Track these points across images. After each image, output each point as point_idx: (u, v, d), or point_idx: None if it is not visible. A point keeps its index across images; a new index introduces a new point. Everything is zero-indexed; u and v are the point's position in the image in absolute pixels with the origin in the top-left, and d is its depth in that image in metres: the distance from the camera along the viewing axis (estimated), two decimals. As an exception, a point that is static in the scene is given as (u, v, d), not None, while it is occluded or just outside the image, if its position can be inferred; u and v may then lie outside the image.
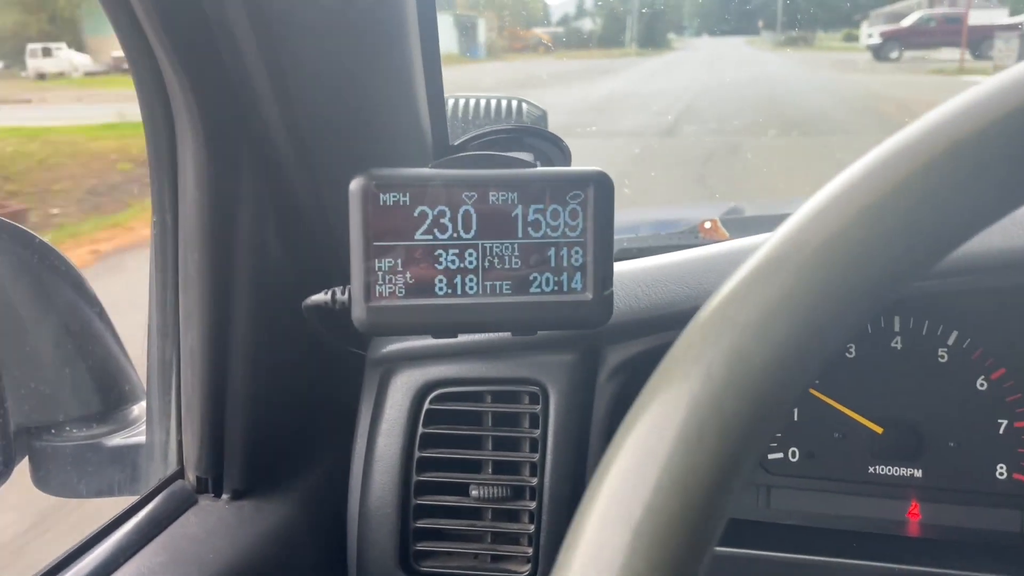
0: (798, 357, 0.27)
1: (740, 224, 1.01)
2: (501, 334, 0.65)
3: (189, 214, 0.56)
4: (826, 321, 0.27)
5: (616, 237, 1.01)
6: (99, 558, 0.56)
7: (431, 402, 0.67)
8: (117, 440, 0.68)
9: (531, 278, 0.53)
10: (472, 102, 1.00)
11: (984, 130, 0.26)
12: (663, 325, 0.65)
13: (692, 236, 0.99)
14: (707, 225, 1.00)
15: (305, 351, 0.68)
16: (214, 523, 0.61)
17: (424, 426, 0.66)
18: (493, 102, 1.01)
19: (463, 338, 0.67)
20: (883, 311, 0.71)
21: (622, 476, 0.26)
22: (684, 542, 0.25)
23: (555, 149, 0.81)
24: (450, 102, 0.95)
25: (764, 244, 0.28)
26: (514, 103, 1.04)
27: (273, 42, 0.50)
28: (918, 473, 0.71)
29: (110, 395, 0.69)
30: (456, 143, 0.79)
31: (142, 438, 0.68)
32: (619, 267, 0.70)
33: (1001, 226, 0.65)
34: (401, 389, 0.67)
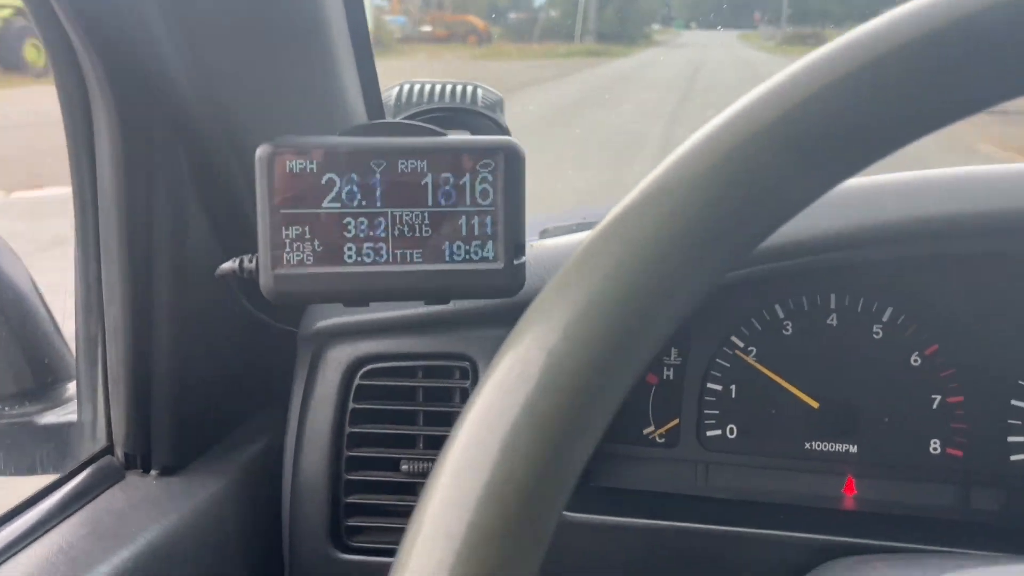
0: (655, 298, 0.27)
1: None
2: (431, 308, 0.65)
3: (106, 188, 0.56)
4: (686, 261, 0.27)
5: (534, 220, 1.01)
6: (18, 529, 0.56)
7: (362, 377, 0.67)
8: (49, 418, 0.68)
9: (442, 247, 0.53)
10: (424, 87, 0.99)
11: (786, 114, 0.27)
12: None
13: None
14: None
15: (235, 326, 0.68)
16: (140, 498, 0.61)
17: (355, 401, 0.67)
18: (448, 87, 1.01)
19: (393, 313, 0.67)
20: (819, 288, 0.72)
21: (483, 412, 0.26)
22: (544, 461, 0.25)
23: (495, 129, 0.81)
24: (403, 88, 0.95)
25: (636, 187, 0.29)
26: (468, 88, 1.03)
27: (185, 12, 0.50)
28: (853, 449, 0.71)
29: (41, 372, 0.69)
30: (390, 120, 0.80)
31: (74, 416, 0.68)
32: (541, 243, 0.70)
33: (928, 191, 0.65)
34: (332, 365, 0.67)
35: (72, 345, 0.71)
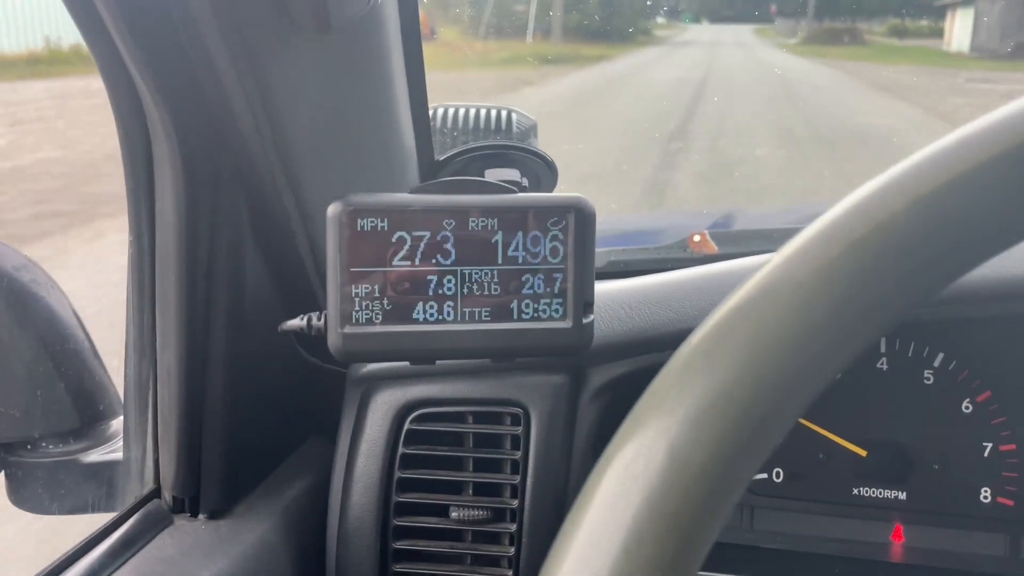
0: (783, 393, 0.26)
1: (730, 238, 1.00)
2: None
3: (166, 236, 0.55)
4: (812, 358, 0.26)
5: (603, 249, 1.00)
6: None
7: (412, 422, 0.66)
8: (94, 456, 0.68)
9: (510, 305, 0.52)
10: (460, 112, 0.99)
11: (982, 165, 0.26)
12: (646, 348, 0.65)
13: (681, 249, 0.98)
14: (696, 239, 0.99)
15: (284, 370, 0.68)
16: (190, 544, 0.61)
17: (404, 446, 0.66)
18: (483, 112, 1.00)
19: None
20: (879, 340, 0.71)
21: (603, 506, 0.26)
22: (669, 560, 0.25)
23: (542, 165, 0.80)
24: (437, 112, 0.95)
25: (758, 269, 0.28)
26: (503, 113, 1.03)
27: (253, 65, 0.50)
28: (902, 495, 0.71)
29: (87, 411, 0.68)
30: (441, 158, 0.79)
31: (119, 455, 0.67)
32: (604, 286, 0.69)
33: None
34: (381, 408, 0.66)
35: (116, 382, 0.71)
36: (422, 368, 0.67)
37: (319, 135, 0.57)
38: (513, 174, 0.71)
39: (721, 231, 1.04)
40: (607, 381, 0.66)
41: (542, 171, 0.77)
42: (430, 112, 0.90)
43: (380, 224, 0.50)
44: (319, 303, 0.66)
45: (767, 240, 0.99)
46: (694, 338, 0.27)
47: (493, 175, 0.64)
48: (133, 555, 0.58)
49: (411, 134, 0.69)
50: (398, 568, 0.66)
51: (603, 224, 0.52)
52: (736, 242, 0.99)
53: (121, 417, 0.71)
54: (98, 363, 0.69)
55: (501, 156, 0.76)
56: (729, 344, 0.26)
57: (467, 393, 0.66)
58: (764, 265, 0.28)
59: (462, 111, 1.01)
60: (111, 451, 0.68)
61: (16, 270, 0.65)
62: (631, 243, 1.04)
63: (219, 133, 0.53)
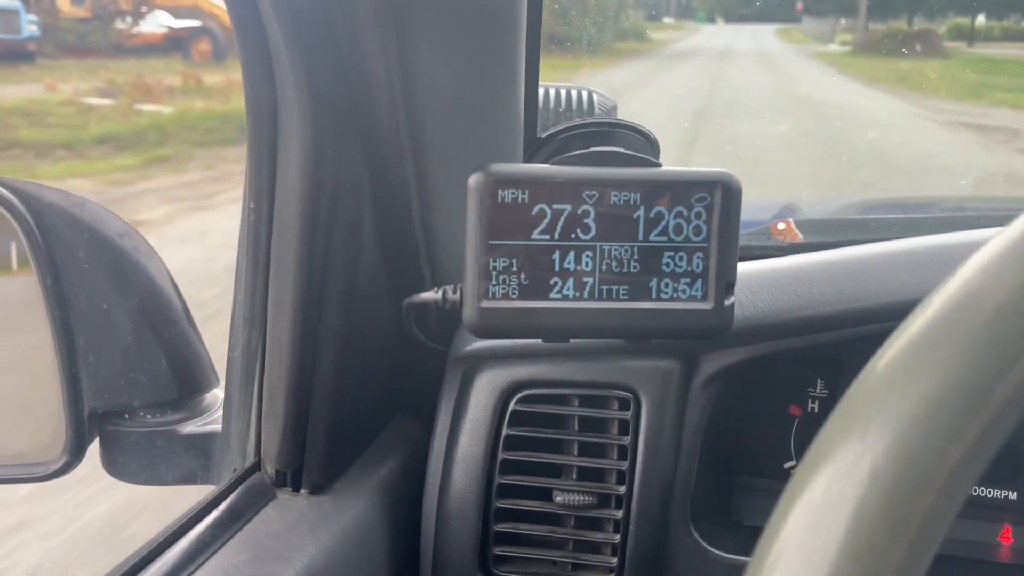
0: (1000, 406, 0.24)
1: (815, 226, 0.98)
2: None
3: (289, 201, 0.54)
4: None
5: None
6: (180, 554, 0.54)
7: (517, 403, 0.64)
8: (191, 428, 0.66)
9: (649, 284, 0.50)
10: (547, 91, 0.97)
11: None
12: (767, 335, 0.63)
13: (764, 237, 0.96)
14: (780, 227, 0.97)
15: (389, 346, 0.66)
16: (294, 519, 0.60)
17: (509, 427, 0.64)
18: (563, 92, 0.99)
19: None
20: None
21: (825, 506, 0.24)
22: (898, 563, 0.23)
23: (645, 143, 0.78)
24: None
25: (978, 251, 0.26)
26: (584, 93, 1.01)
27: (392, 30, 0.48)
28: (1012, 496, 0.69)
29: (185, 382, 0.67)
30: (544, 135, 0.77)
31: (217, 427, 0.66)
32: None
33: None
34: (486, 388, 0.65)
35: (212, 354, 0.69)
36: (527, 349, 0.65)
37: (448, 108, 0.55)
38: (612, 150, 0.69)
39: (805, 219, 1.02)
40: (721, 368, 0.64)
41: (645, 149, 0.75)
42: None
43: (521, 196, 0.48)
44: (425, 280, 0.64)
45: (854, 229, 0.96)
46: (914, 324, 0.26)
47: (598, 153, 0.62)
48: (240, 528, 0.57)
49: (522, 111, 0.67)
50: (498, 550, 0.65)
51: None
52: (821, 231, 0.97)
53: (215, 390, 0.70)
54: (196, 334, 0.68)
55: (605, 134, 0.74)
56: (956, 331, 0.25)
57: (574, 375, 0.64)
58: (980, 250, 0.26)
59: (548, 91, 0.99)
60: (208, 423, 0.67)
61: (119, 237, 0.64)
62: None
63: (351, 97, 0.51)
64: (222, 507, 0.59)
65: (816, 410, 0.72)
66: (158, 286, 0.66)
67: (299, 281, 0.56)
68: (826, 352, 0.68)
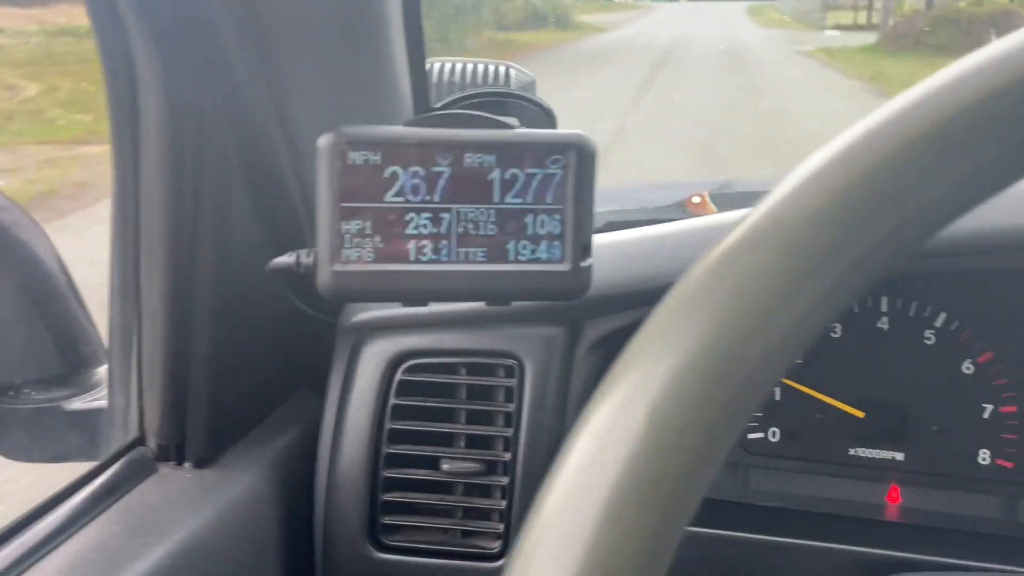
0: (769, 348, 0.25)
1: (729, 199, 0.99)
2: (476, 304, 0.63)
3: (151, 172, 0.53)
4: (809, 301, 0.25)
5: (601, 210, 0.99)
6: (51, 525, 0.54)
7: (403, 372, 0.64)
8: (77, 404, 0.66)
9: (507, 246, 0.50)
10: (456, 67, 0.97)
11: (990, 96, 0.24)
12: (644, 300, 0.63)
13: (679, 210, 0.97)
14: (695, 200, 0.98)
15: (273, 317, 0.66)
16: (175, 492, 0.59)
17: (396, 397, 0.64)
18: (480, 67, 0.98)
19: (437, 307, 0.65)
20: (871, 290, 0.70)
21: (580, 472, 0.24)
22: (651, 528, 0.23)
23: (541, 114, 0.78)
24: (434, 67, 0.92)
25: (744, 218, 0.26)
26: (501, 68, 1.01)
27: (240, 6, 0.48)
28: (899, 456, 0.70)
29: (70, 357, 0.66)
30: (437, 106, 0.77)
31: (104, 403, 0.66)
32: (601, 239, 0.67)
33: (996, 204, 0.63)
34: (373, 359, 0.65)
35: (102, 329, 0.69)
36: (414, 318, 0.65)
37: (310, 66, 0.55)
38: (512, 122, 0.69)
39: (720, 192, 1.02)
40: (604, 334, 0.64)
41: (540, 120, 0.75)
42: (429, 68, 0.88)
43: (373, 158, 0.48)
44: (307, 244, 0.64)
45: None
46: (675, 290, 0.26)
47: (491, 123, 0.62)
48: (116, 501, 0.57)
49: (407, 79, 0.66)
50: (387, 520, 0.65)
51: (599, 192, 0.47)
52: (735, 204, 0.98)
53: (105, 365, 0.69)
54: (82, 309, 0.67)
55: (498, 104, 0.74)
56: (712, 295, 0.25)
57: (460, 344, 0.64)
58: (750, 213, 0.26)
59: (459, 66, 0.99)
60: (95, 399, 0.67)
61: (-4, 210, 0.63)
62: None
63: (207, 63, 0.51)
64: (99, 480, 0.58)
65: None
66: (41, 260, 0.65)
67: (168, 252, 0.55)
68: None
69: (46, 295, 0.65)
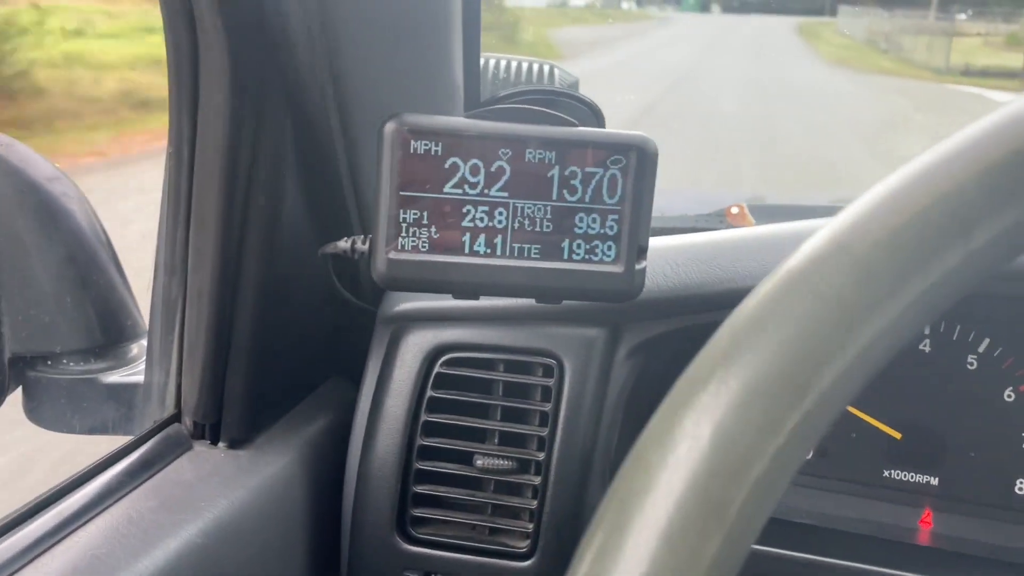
0: (846, 367, 0.24)
1: (767, 211, 0.98)
2: (519, 300, 0.63)
3: (208, 148, 0.53)
4: (880, 327, 0.24)
5: None
6: (86, 497, 0.54)
7: (441, 365, 0.64)
8: (114, 377, 0.66)
9: (561, 244, 0.50)
10: (503, 63, 0.97)
11: None
12: (690, 307, 0.63)
13: (718, 220, 0.96)
14: (734, 211, 0.97)
15: (315, 302, 0.66)
16: (208, 471, 0.59)
17: (433, 389, 0.64)
18: (524, 65, 0.98)
19: (479, 301, 0.64)
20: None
21: (643, 493, 0.24)
22: (713, 553, 0.23)
23: (589, 114, 0.78)
24: (489, 62, 0.92)
25: (809, 238, 0.26)
26: (546, 67, 1.01)
27: None
28: (934, 481, 0.69)
29: (110, 330, 0.66)
30: (485, 100, 0.77)
31: (140, 377, 0.66)
32: (656, 243, 0.67)
33: None
34: (412, 350, 0.65)
35: (142, 305, 0.69)
36: (455, 311, 0.65)
37: (373, 56, 0.55)
38: (528, 108, 0.69)
39: (759, 204, 1.02)
40: (644, 339, 0.64)
41: (588, 120, 0.75)
42: (482, 63, 0.88)
43: (434, 148, 0.48)
44: (354, 232, 0.64)
45: (808, 215, 0.96)
46: (742, 310, 0.25)
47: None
48: (150, 477, 0.57)
49: (460, 72, 0.66)
50: (416, 512, 0.65)
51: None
52: (774, 216, 0.97)
53: (143, 340, 0.69)
54: (124, 283, 0.68)
55: (549, 102, 0.74)
56: (781, 318, 0.24)
57: (500, 340, 0.64)
58: (815, 234, 0.25)
59: (503, 63, 0.99)
60: (132, 374, 0.67)
61: (48, 181, 0.64)
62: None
63: (272, 44, 0.51)
64: (135, 455, 0.58)
65: None
66: (86, 233, 0.66)
67: (219, 231, 0.55)
68: None
69: (90, 267, 0.65)
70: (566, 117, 0.51)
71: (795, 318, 0.24)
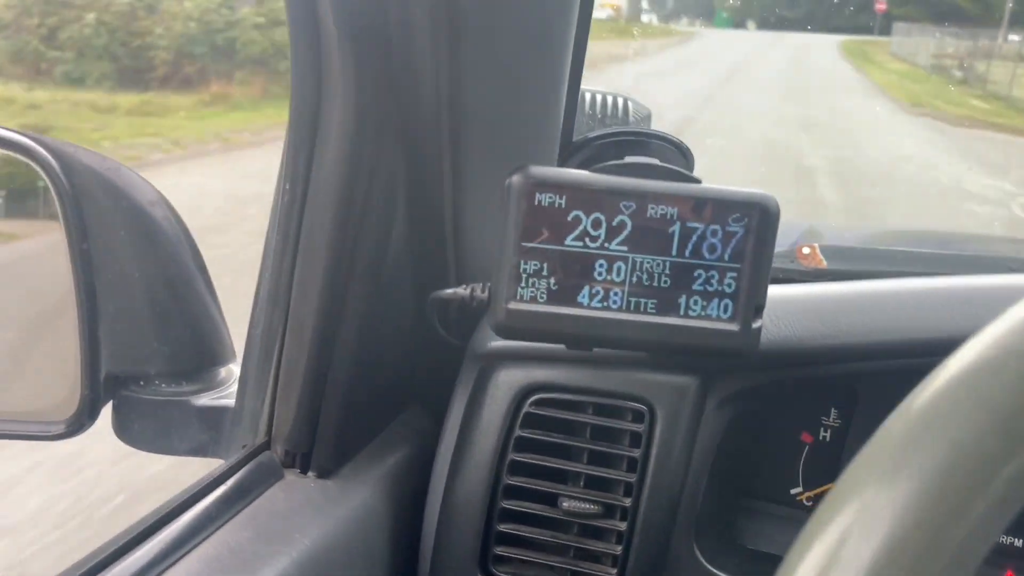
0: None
1: (840, 254, 0.97)
2: None
3: (324, 186, 0.54)
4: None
5: None
6: (186, 525, 0.54)
7: (531, 405, 0.64)
8: (204, 400, 0.67)
9: (678, 300, 0.50)
10: (583, 95, 0.97)
11: None
12: (789, 361, 0.62)
13: (790, 260, 0.96)
14: (805, 251, 0.96)
15: (404, 336, 0.66)
16: (300, 501, 0.60)
17: (521, 429, 0.64)
18: (599, 97, 0.98)
19: None
20: None
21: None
22: None
23: (678, 154, 0.77)
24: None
25: (972, 339, 0.26)
26: (620, 100, 1.01)
27: (445, 29, 0.48)
28: (1018, 543, 0.68)
29: (202, 354, 0.67)
30: (578, 140, 0.77)
31: (230, 402, 0.66)
32: None
33: None
34: (501, 388, 0.65)
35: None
36: (545, 351, 0.65)
37: (491, 110, 0.55)
38: (652, 162, 0.69)
39: (831, 246, 1.01)
40: (736, 391, 0.63)
41: (678, 160, 0.75)
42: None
43: (558, 200, 0.48)
44: (449, 276, 0.64)
45: (879, 260, 0.96)
46: (948, 371, 0.25)
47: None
48: (247, 505, 0.58)
49: (561, 116, 0.67)
50: (499, 550, 0.65)
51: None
52: (846, 258, 0.96)
53: (231, 365, 0.70)
54: (216, 308, 0.68)
55: (639, 144, 0.74)
56: (994, 380, 0.24)
57: (591, 383, 0.64)
58: (977, 338, 0.25)
59: (584, 96, 0.99)
60: (221, 397, 0.67)
61: (150, 205, 0.64)
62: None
63: (396, 86, 0.51)
64: (230, 483, 0.59)
65: (827, 439, 0.71)
66: (184, 258, 0.66)
67: (327, 266, 0.56)
68: (844, 382, 0.68)
69: (186, 291, 0.66)
70: (688, 173, 0.51)
71: (1006, 381, 0.24)
